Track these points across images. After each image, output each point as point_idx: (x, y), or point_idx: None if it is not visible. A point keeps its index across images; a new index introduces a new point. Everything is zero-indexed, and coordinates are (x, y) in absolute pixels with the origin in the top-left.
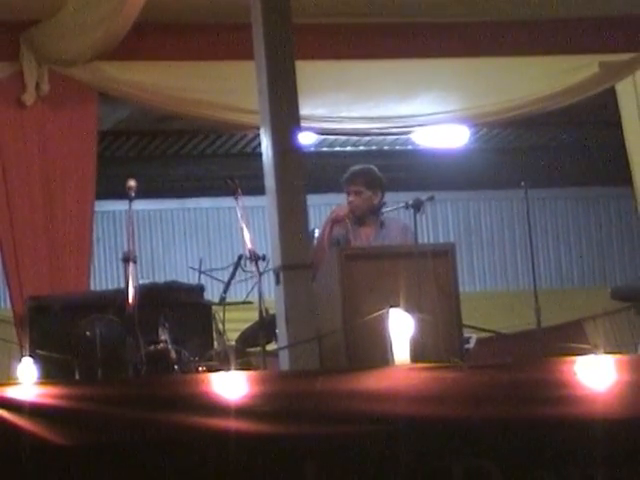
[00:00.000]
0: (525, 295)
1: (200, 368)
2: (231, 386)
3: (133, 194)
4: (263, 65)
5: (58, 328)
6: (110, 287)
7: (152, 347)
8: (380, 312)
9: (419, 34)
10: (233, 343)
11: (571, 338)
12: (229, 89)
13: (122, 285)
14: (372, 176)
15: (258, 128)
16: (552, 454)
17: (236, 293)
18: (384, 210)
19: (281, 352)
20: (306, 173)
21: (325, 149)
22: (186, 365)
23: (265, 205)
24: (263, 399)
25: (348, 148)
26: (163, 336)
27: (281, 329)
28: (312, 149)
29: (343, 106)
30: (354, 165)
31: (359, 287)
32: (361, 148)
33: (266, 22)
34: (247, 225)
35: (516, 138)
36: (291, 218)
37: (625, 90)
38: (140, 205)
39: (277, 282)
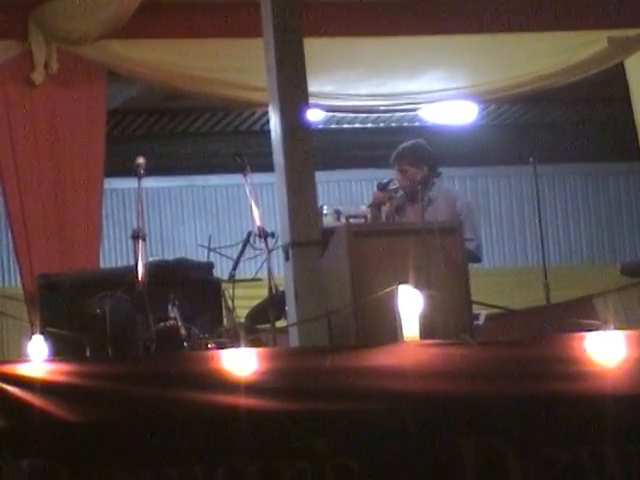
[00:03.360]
0: (534, 271)
1: (210, 345)
2: (241, 363)
3: (142, 172)
4: (271, 42)
5: (68, 306)
6: (120, 265)
7: (162, 324)
8: (389, 289)
9: (427, 11)
10: (242, 320)
11: (581, 314)
12: (237, 66)
13: (132, 263)
14: (415, 152)
15: (266, 105)
16: (562, 430)
17: (245, 270)
18: (392, 187)
19: (291, 329)
20: (314, 150)
21: (333, 126)
22: (196, 342)
23: (274, 182)
24: (273, 376)
25: (356, 125)
26: (173, 313)
27: (290, 306)
28: (320, 126)
29: (351, 83)
30: (363, 142)
31: (368, 264)
32: (369, 125)
33: None
34: (256, 202)
35: (525, 114)
36: (300, 195)
37: (634, 65)
38: (149, 183)
39: (286, 259)
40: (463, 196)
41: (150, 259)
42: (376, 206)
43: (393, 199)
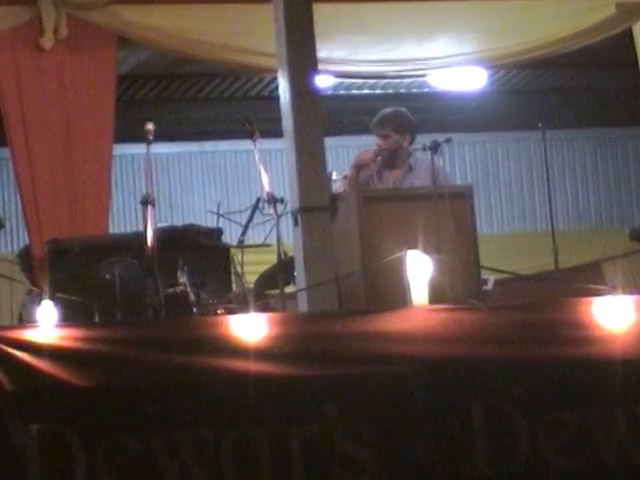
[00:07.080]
0: (543, 236)
1: (219, 310)
2: (250, 328)
3: (151, 137)
4: (281, 7)
5: (77, 271)
6: (129, 230)
7: (171, 290)
8: (398, 254)
9: None
10: (251, 285)
11: (589, 279)
12: (247, 32)
13: (141, 228)
14: (400, 119)
15: (276, 71)
16: (571, 395)
17: (254, 236)
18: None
19: (300, 294)
20: (323, 116)
21: (342, 92)
22: (205, 307)
23: (283, 148)
24: (282, 341)
25: (365, 91)
26: (182, 279)
27: (299, 271)
28: (329, 92)
29: (360, 49)
30: (372, 108)
31: (377, 229)
32: (378, 91)
33: None
34: (265, 168)
35: (533, 80)
36: (309, 161)
37: None
38: (158, 148)
39: (295, 224)
40: (444, 168)
41: (159, 225)
42: (358, 167)
43: (375, 163)
